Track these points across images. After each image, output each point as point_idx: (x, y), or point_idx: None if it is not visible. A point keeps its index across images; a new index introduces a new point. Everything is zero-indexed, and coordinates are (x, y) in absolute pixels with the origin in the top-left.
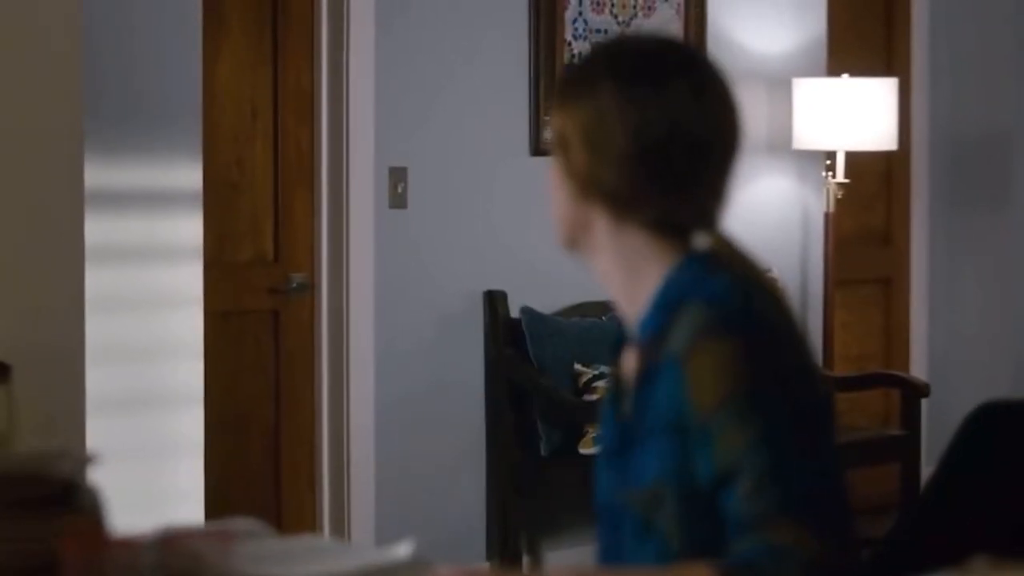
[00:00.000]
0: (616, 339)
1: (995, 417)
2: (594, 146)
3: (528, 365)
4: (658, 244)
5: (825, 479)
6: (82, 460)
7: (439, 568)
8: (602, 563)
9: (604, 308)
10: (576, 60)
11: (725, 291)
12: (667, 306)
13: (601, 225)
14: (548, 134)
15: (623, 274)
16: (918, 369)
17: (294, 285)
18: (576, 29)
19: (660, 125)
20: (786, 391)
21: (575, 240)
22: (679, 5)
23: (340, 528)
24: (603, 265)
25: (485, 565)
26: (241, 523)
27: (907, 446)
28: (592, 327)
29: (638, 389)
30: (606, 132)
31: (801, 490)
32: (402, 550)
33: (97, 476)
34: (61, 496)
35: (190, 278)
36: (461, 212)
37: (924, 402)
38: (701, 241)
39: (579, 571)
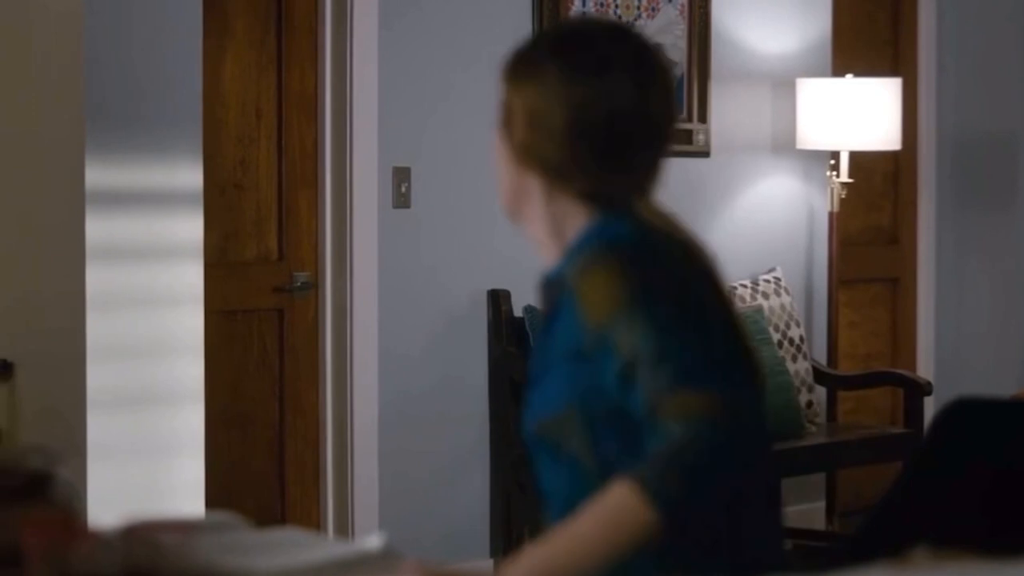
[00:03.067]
0: (543, 285)
1: (964, 413)
2: (536, 122)
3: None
4: (586, 211)
5: (716, 345)
6: (55, 454)
7: (404, 562)
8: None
9: None
10: (524, 41)
11: (624, 232)
12: (575, 251)
13: (536, 193)
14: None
15: (552, 238)
16: (925, 368)
17: (298, 284)
18: None
19: (598, 108)
20: (669, 289)
21: (515, 210)
22: (683, 6)
23: (344, 525)
24: (536, 231)
25: (489, 562)
26: (216, 516)
27: (910, 444)
28: None
29: (546, 326)
30: (548, 110)
31: (694, 359)
32: (372, 542)
33: (98, 472)
34: (31, 488)
35: (191, 277)
36: (464, 211)
37: (930, 400)
38: (626, 204)
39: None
